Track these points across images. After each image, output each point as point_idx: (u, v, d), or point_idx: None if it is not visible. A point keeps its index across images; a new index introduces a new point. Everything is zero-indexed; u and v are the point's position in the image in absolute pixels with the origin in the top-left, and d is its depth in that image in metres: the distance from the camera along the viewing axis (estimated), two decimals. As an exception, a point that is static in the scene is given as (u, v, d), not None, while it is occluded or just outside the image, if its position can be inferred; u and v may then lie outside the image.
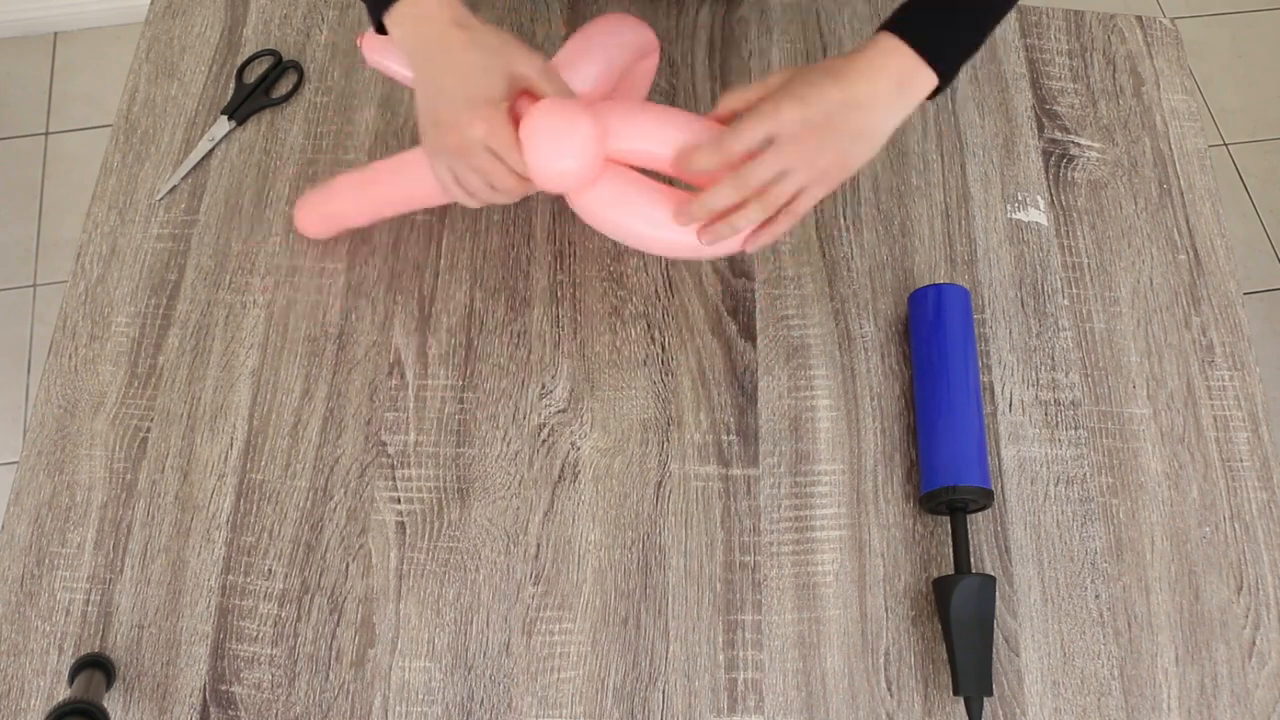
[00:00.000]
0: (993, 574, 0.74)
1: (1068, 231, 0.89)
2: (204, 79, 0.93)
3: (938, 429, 0.76)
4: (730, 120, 0.68)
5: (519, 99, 0.68)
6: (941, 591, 0.71)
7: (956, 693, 0.69)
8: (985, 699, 0.70)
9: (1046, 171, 0.91)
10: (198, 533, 0.75)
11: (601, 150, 0.67)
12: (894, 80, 0.65)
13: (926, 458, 0.76)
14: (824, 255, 0.86)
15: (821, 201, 0.88)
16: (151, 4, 0.96)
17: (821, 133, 0.63)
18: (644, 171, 0.70)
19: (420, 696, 0.71)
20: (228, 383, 0.80)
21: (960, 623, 0.70)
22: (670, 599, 0.74)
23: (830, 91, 0.63)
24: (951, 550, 0.74)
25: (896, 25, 0.66)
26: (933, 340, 0.78)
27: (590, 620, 0.73)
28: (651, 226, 0.68)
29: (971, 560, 0.73)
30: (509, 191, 0.68)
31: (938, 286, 0.80)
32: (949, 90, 0.94)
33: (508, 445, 0.78)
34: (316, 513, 0.76)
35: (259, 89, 0.91)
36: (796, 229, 0.86)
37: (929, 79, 0.65)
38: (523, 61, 0.66)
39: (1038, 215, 0.89)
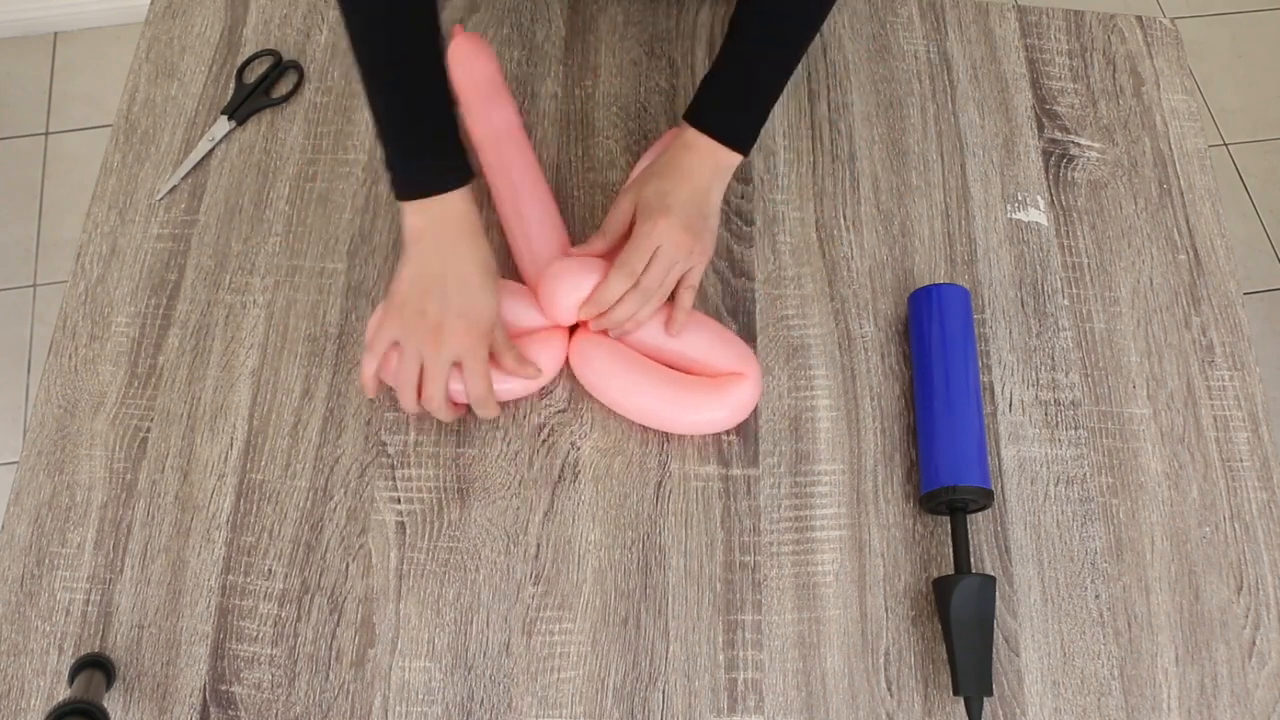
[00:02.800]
0: (993, 574, 0.74)
1: (1068, 231, 0.89)
2: (204, 79, 0.92)
3: (938, 429, 0.76)
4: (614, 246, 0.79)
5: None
6: (941, 591, 0.71)
7: (956, 693, 0.69)
8: (985, 699, 0.70)
9: (1046, 171, 0.91)
10: (198, 533, 0.75)
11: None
12: (712, 166, 0.78)
13: (926, 458, 0.76)
14: (824, 255, 0.86)
15: (821, 202, 0.88)
16: (151, 4, 0.96)
17: (690, 226, 0.76)
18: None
19: (420, 696, 0.71)
20: (228, 383, 0.80)
21: (960, 623, 0.70)
22: (670, 599, 0.74)
23: (681, 192, 0.76)
24: (951, 550, 0.74)
25: (698, 120, 0.78)
26: (933, 340, 0.78)
27: (590, 620, 0.73)
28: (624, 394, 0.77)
29: (971, 560, 0.73)
30: (434, 405, 0.73)
31: (938, 286, 0.80)
32: (949, 90, 0.94)
33: (508, 445, 0.78)
34: (316, 513, 0.76)
35: (259, 89, 0.91)
36: (797, 230, 0.87)
37: (735, 156, 0.79)
38: (503, 299, 0.76)
39: (1038, 215, 0.89)
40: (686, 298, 0.78)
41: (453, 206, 0.72)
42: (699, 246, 0.77)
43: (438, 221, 0.72)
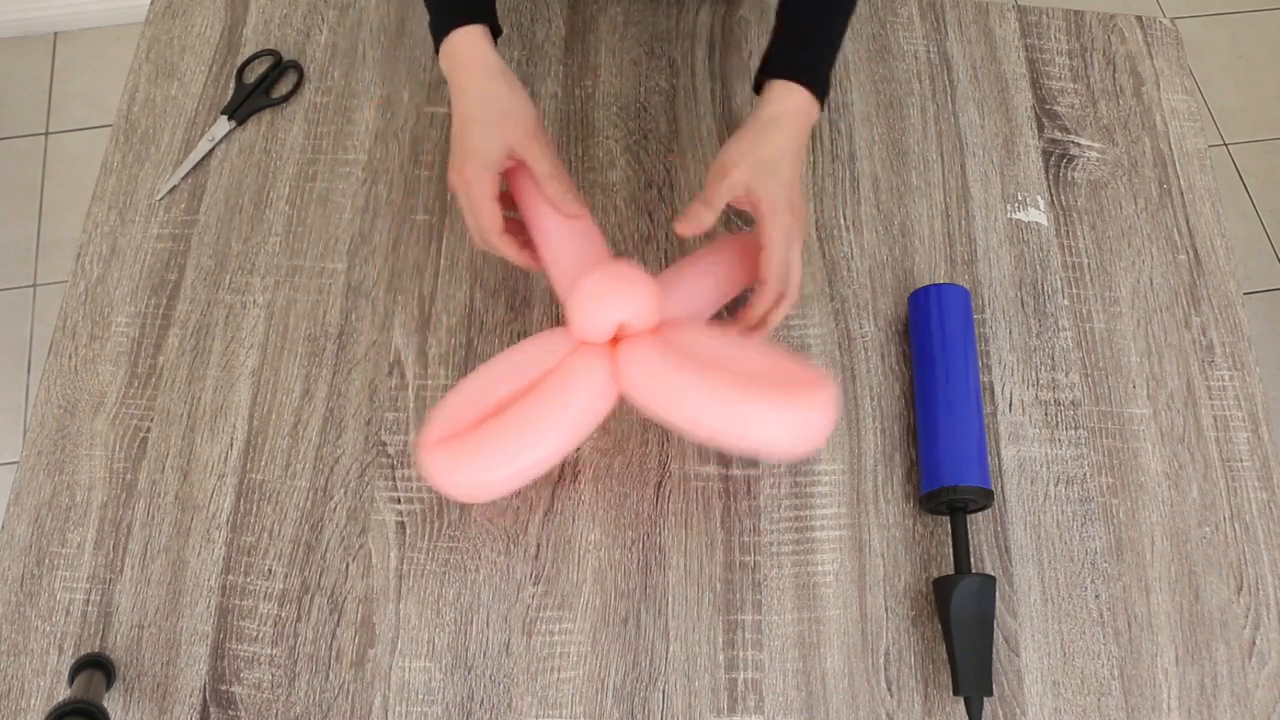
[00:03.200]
0: (993, 574, 0.74)
1: (1068, 231, 0.89)
2: (204, 79, 0.93)
3: (938, 429, 0.76)
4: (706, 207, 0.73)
5: (514, 170, 0.74)
6: (941, 591, 0.71)
7: (956, 693, 0.69)
8: (985, 699, 0.70)
9: (1046, 171, 0.91)
10: (198, 533, 0.75)
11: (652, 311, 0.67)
12: (806, 126, 0.75)
13: (926, 458, 0.76)
14: (824, 255, 0.86)
15: (821, 202, 0.88)
16: (151, 4, 0.96)
17: (797, 211, 0.72)
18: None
19: (420, 696, 0.71)
20: (228, 383, 0.80)
21: (960, 623, 0.70)
22: (670, 599, 0.74)
23: (786, 175, 0.72)
24: (951, 550, 0.74)
25: (788, 71, 0.74)
26: (933, 340, 0.78)
27: (590, 620, 0.73)
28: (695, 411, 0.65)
29: (971, 560, 0.73)
30: (480, 243, 0.74)
31: (938, 286, 0.80)
32: (949, 90, 0.94)
33: (508, 445, 0.78)
34: (316, 513, 0.76)
35: (259, 89, 0.91)
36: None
37: (817, 107, 0.75)
38: (523, 135, 0.72)
39: (1038, 215, 0.89)
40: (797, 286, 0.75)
41: (462, 50, 0.74)
42: (802, 229, 0.74)
43: (452, 67, 0.75)
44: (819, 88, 0.75)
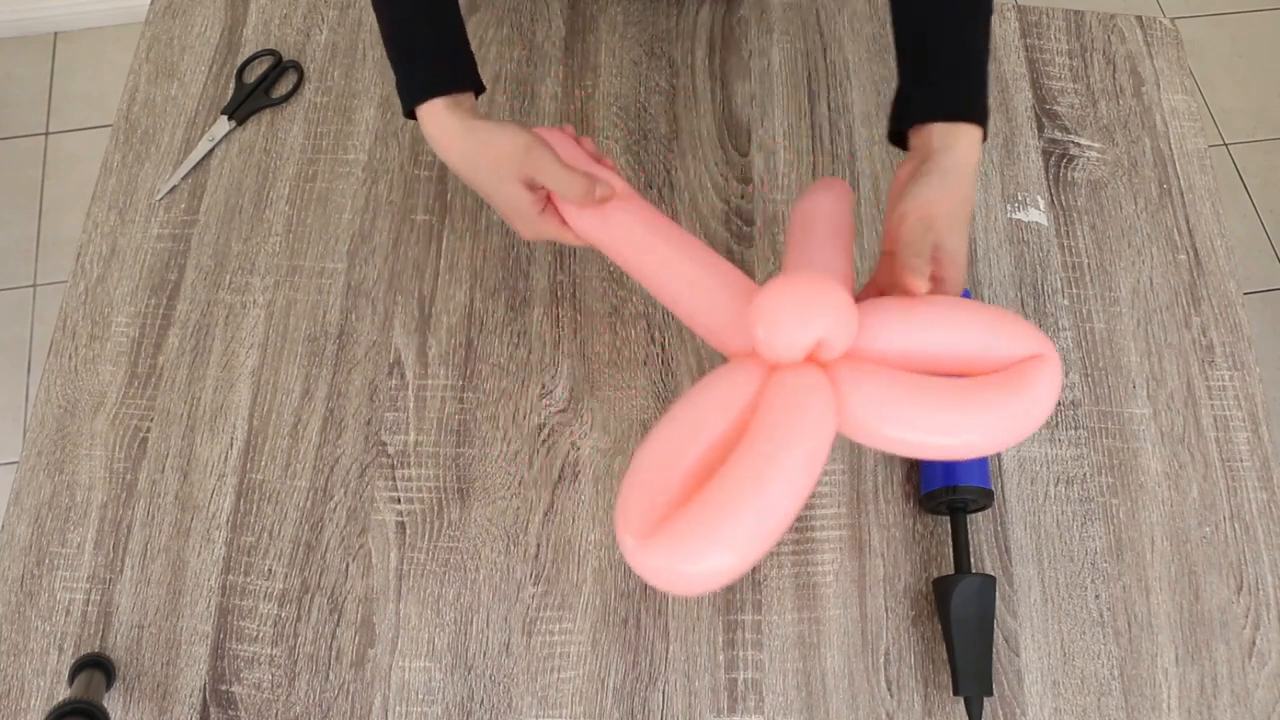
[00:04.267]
0: (993, 574, 0.74)
1: (1068, 231, 0.89)
2: (204, 79, 0.93)
3: (938, 429, 0.75)
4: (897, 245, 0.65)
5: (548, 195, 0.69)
6: (941, 591, 0.71)
7: (956, 693, 0.69)
8: (985, 699, 0.70)
9: (1046, 171, 0.91)
10: (198, 533, 0.75)
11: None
12: (977, 161, 0.66)
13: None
14: (824, 255, 0.86)
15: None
16: (151, 4, 0.96)
17: (964, 231, 0.65)
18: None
19: (420, 696, 0.71)
20: (228, 383, 0.80)
21: (960, 623, 0.70)
22: (670, 599, 0.74)
23: (963, 230, 0.64)
24: (951, 550, 0.74)
25: (950, 112, 0.66)
26: (933, 340, 0.78)
27: (590, 620, 0.73)
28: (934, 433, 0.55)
29: (971, 560, 0.73)
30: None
31: (938, 286, 0.80)
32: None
33: (508, 445, 0.78)
34: (316, 513, 0.76)
35: (259, 89, 0.91)
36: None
37: (980, 135, 0.67)
38: (519, 167, 0.67)
39: (1038, 215, 0.89)
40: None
41: (424, 125, 0.71)
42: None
43: (430, 138, 0.71)
44: (985, 123, 0.66)
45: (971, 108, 0.66)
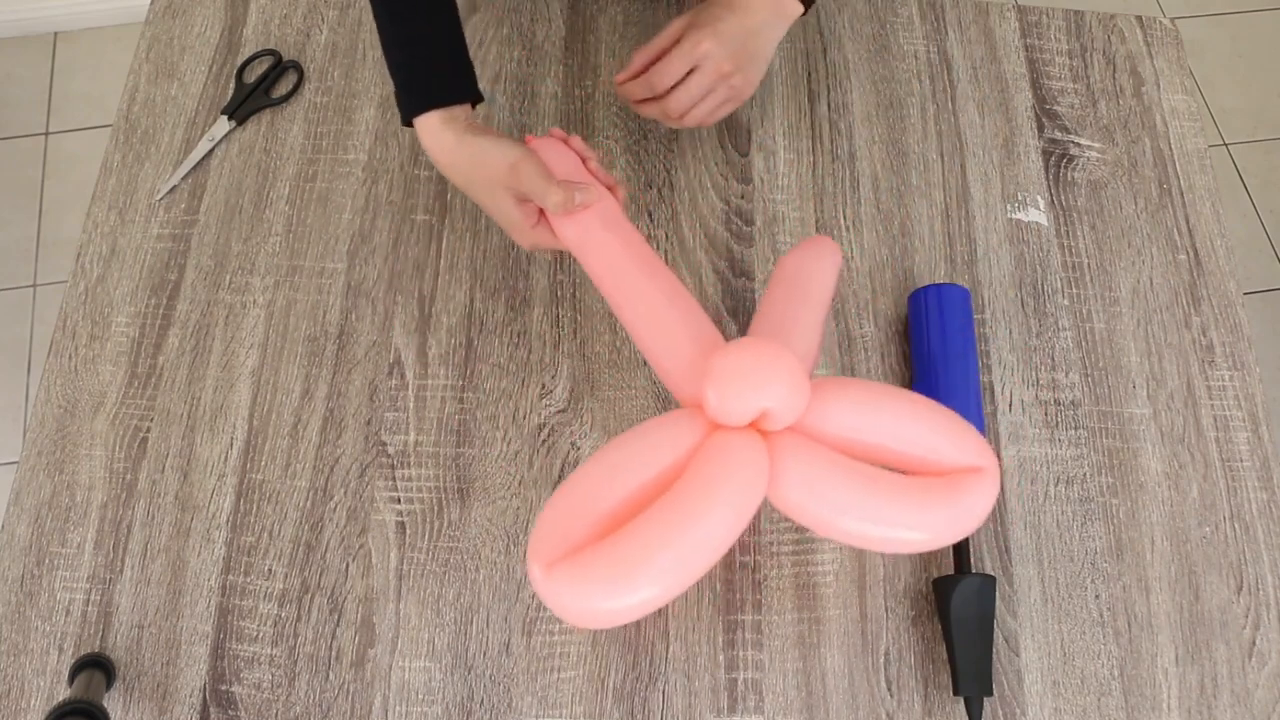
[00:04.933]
0: (993, 574, 0.74)
1: (1068, 231, 0.89)
2: (204, 79, 0.93)
3: (938, 429, 0.75)
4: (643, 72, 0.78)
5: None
6: (941, 591, 0.71)
7: (956, 693, 0.69)
8: (985, 699, 0.70)
9: (1046, 171, 0.91)
10: (198, 533, 0.75)
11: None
12: (772, 6, 0.77)
13: (927, 458, 0.76)
14: (824, 255, 0.86)
15: (821, 202, 0.88)
16: (151, 4, 0.96)
17: (735, 59, 0.76)
18: None
19: (420, 696, 0.71)
20: (228, 383, 0.80)
21: (960, 623, 0.70)
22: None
23: (734, 23, 0.75)
24: (951, 550, 0.74)
25: None
26: (933, 340, 0.78)
27: (590, 620, 0.73)
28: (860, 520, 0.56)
29: (971, 560, 0.73)
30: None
31: (938, 286, 0.80)
32: (949, 90, 0.94)
33: (508, 445, 0.78)
34: (316, 513, 0.76)
35: (259, 89, 0.91)
36: (797, 230, 0.86)
37: (797, 7, 0.77)
38: (506, 179, 0.69)
39: (1038, 215, 0.89)
40: (702, 116, 0.79)
41: (422, 138, 0.73)
42: (739, 79, 0.77)
43: (426, 149, 0.73)
44: None
45: None
